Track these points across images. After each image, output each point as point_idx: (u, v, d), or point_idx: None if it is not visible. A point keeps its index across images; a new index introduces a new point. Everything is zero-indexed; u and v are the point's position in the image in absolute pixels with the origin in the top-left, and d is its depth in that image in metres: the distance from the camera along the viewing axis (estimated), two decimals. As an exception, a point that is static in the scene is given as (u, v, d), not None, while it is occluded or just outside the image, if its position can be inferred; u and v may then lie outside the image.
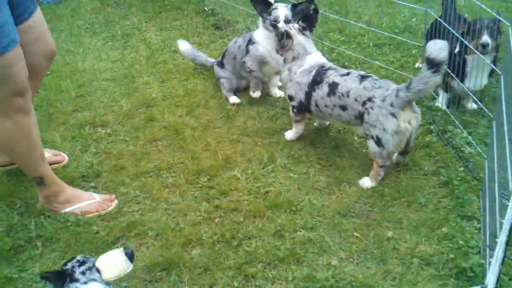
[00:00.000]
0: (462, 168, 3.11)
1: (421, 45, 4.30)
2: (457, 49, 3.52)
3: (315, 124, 3.64)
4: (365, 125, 2.98)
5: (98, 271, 2.12)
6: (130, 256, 2.22)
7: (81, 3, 6.05)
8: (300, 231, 2.74)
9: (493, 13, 3.17)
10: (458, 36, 3.40)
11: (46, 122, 3.73)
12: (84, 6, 5.97)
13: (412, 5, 4.74)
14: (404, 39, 4.46)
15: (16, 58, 2.48)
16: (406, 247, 2.60)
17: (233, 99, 4.00)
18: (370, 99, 2.93)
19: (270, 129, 3.62)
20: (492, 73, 3.57)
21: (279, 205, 2.90)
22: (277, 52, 3.44)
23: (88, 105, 3.99)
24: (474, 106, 3.73)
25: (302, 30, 3.35)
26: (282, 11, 3.63)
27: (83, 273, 2.08)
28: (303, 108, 3.32)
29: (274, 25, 3.40)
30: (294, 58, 3.30)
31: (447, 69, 3.49)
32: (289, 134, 3.49)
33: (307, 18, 3.40)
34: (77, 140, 3.58)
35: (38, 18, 2.74)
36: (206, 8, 5.61)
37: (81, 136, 3.61)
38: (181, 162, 3.31)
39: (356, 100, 2.98)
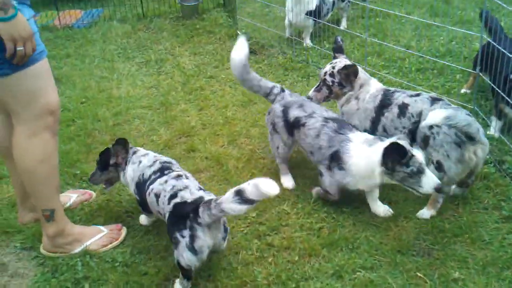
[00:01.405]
0: (526, 202, 2.96)
1: (465, 69, 4.16)
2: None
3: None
4: (429, 149, 2.84)
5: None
6: None
7: (112, 27, 6.01)
8: (360, 272, 2.59)
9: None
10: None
11: (85, 153, 3.65)
12: (115, 30, 5.93)
13: (461, 30, 4.61)
14: (448, 63, 4.31)
15: (48, 69, 2.45)
16: (476, 290, 2.45)
17: (288, 182, 3.27)
18: (437, 124, 2.79)
19: (316, 160, 3.49)
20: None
21: (335, 243, 2.76)
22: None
23: (126, 134, 3.90)
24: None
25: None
26: (419, 155, 2.64)
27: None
28: None
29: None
30: (361, 85, 3.22)
31: (502, 94, 3.35)
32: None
33: (339, 49, 3.43)
34: (118, 171, 3.48)
35: None
36: (239, 32, 5.54)
37: (122, 168, 3.50)
38: (227, 196, 3.18)
39: None
